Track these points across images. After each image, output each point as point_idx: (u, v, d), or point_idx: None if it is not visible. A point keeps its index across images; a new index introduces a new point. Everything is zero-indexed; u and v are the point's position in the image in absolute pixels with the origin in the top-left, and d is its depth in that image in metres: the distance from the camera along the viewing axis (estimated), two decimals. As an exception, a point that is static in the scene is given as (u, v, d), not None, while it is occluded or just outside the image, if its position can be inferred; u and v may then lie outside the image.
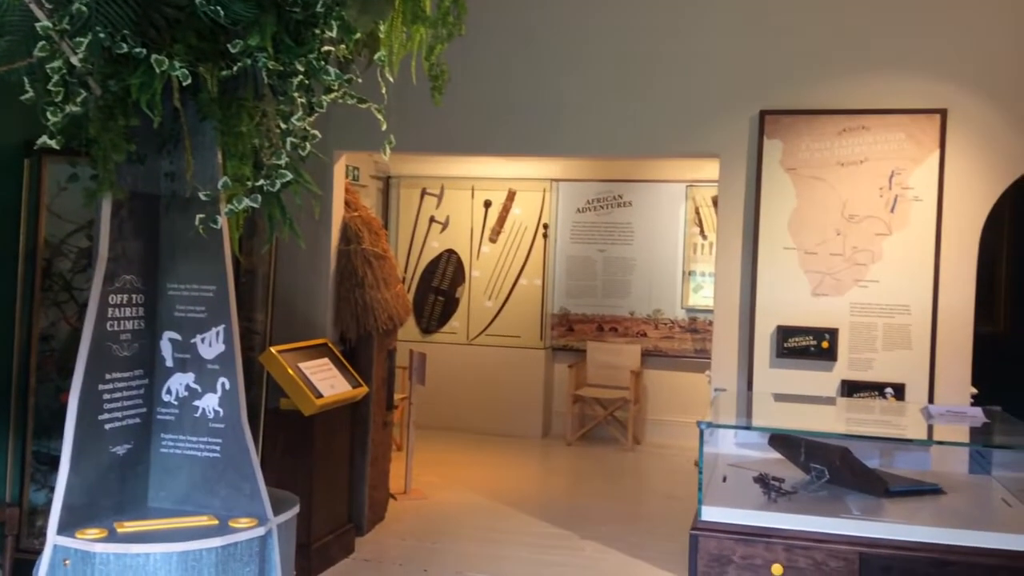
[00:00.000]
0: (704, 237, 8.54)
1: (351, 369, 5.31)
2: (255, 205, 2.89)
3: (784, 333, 4.77)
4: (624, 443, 8.41)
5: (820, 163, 4.76)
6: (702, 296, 8.54)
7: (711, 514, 2.76)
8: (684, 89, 5.09)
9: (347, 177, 8.24)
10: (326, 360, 5.18)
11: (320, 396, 4.88)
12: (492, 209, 8.97)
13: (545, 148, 5.48)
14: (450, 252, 9.06)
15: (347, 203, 5.78)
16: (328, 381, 5.05)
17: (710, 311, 8.49)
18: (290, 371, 4.82)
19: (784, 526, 2.70)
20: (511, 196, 8.94)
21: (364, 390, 5.30)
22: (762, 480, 2.94)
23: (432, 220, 9.11)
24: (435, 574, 5.04)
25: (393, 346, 6.05)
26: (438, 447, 8.04)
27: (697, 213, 8.55)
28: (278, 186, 2.88)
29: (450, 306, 9.04)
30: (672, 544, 5.55)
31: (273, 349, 4.87)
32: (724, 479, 3.09)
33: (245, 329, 5.08)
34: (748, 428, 3.12)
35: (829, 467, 2.93)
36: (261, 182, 2.87)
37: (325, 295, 5.53)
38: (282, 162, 2.85)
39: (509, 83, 5.37)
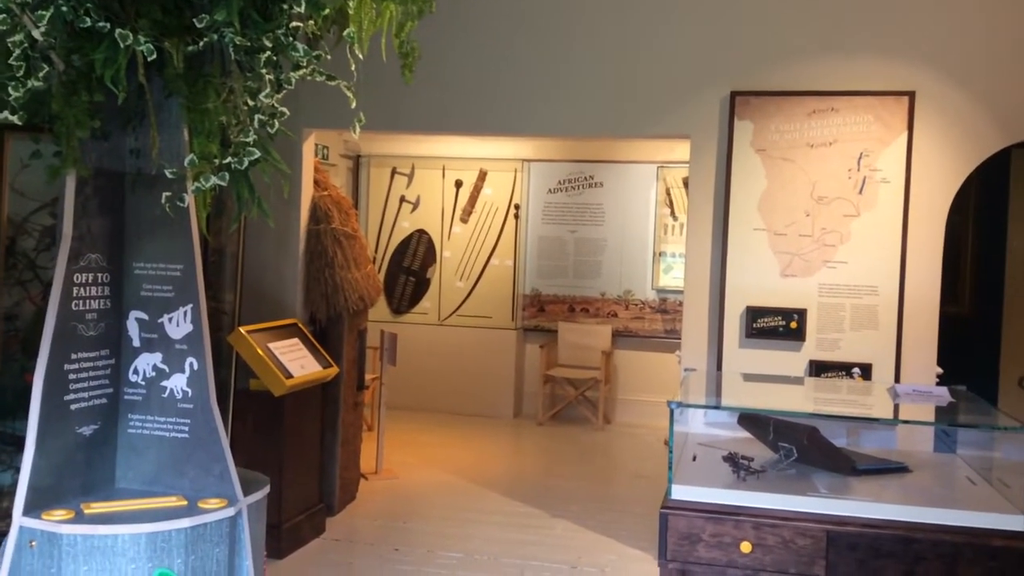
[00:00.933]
0: (675, 218, 8.56)
1: (321, 350, 5.28)
2: (222, 183, 2.85)
3: (753, 314, 4.80)
4: (595, 423, 8.45)
5: (790, 144, 4.79)
6: (672, 277, 8.58)
7: (681, 493, 2.78)
8: (655, 69, 5.08)
9: (316, 156, 8.18)
10: (296, 340, 5.15)
11: (290, 376, 4.85)
12: (463, 189, 8.94)
13: (516, 127, 5.46)
14: (421, 232, 9.02)
15: (316, 182, 5.73)
16: (298, 361, 5.02)
17: (680, 292, 8.52)
18: (259, 351, 4.78)
19: (753, 504, 2.72)
20: (482, 176, 8.91)
21: (334, 370, 5.28)
22: (731, 459, 2.97)
23: (403, 200, 9.07)
24: (406, 553, 5.05)
25: (364, 326, 6.02)
26: (410, 427, 8.04)
27: (668, 194, 8.57)
28: (246, 164, 2.85)
29: (421, 287, 9.01)
30: (642, 522, 5.60)
31: (242, 329, 4.83)
32: (694, 458, 3.12)
33: (213, 309, 5.04)
34: (718, 408, 3.13)
35: (797, 446, 2.96)
36: (228, 160, 2.82)
37: (295, 275, 5.49)
38: (250, 139, 2.81)
39: (480, 61, 5.34)
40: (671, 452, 2.83)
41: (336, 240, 5.62)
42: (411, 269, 9.03)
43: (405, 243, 9.04)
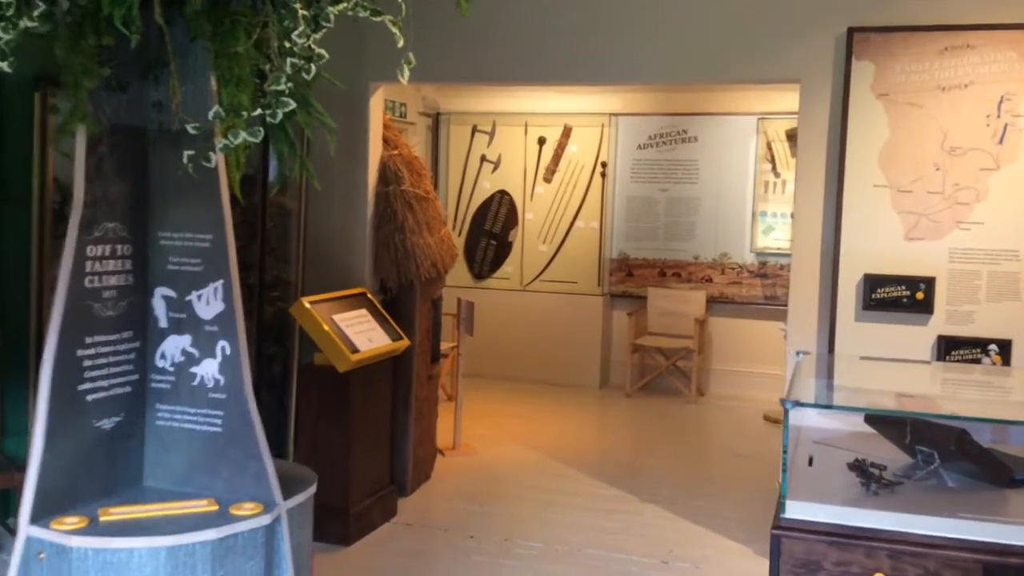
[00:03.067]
0: (776, 175, 7.91)
1: (391, 321, 4.91)
2: (254, 140, 2.45)
3: (872, 283, 4.22)
4: (687, 395, 7.93)
5: (917, 87, 4.15)
6: (773, 238, 7.95)
7: (797, 510, 2.28)
8: (759, 4, 4.49)
9: (392, 114, 7.79)
10: (364, 311, 4.78)
11: (356, 351, 4.49)
12: (546, 147, 8.44)
13: (604, 76, 4.93)
14: (502, 193, 8.57)
15: (386, 140, 5.32)
16: (366, 334, 4.65)
17: (781, 255, 7.93)
18: (324, 325, 4.43)
19: (888, 527, 2.21)
20: (567, 132, 8.39)
21: (405, 343, 4.91)
22: (859, 467, 2.45)
23: (483, 159, 8.62)
24: (481, 541, 4.67)
25: (438, 294, 5.63)
26: (490, 398, 7.67)
27: (769, 148, 7.91)
28: (280, 116, 2.43)
29: (503, 250, 8.58)
30: (740, 509, 5.09)
31: (305, 300, 4.48)
32: (810, 462, 2.61)
33: (275, 278, 4.71)
34: (844, 409, 2.61)
35: (940, 450, 2.44)
36: (259, 111, 2.41)
37: (362, 241, 5.11)
38: (282, 87, 2.39)
39: (554, 2, 4.82)
40: (785, 458, 2.33)
41: (407, 203, 5.22)
42: (492, 232, 8.60)
43: (486, 205, 8.61)
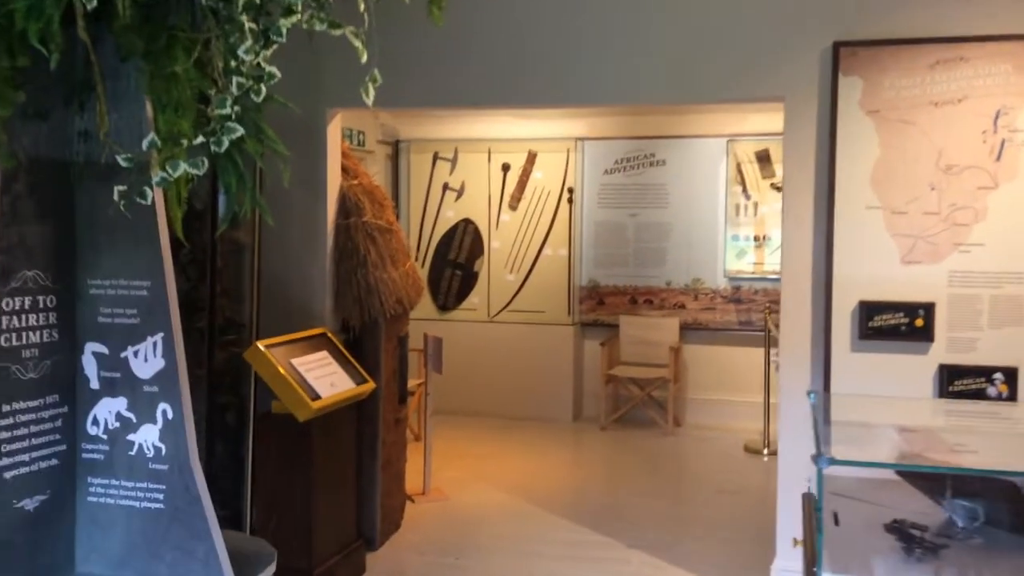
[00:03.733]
0: (747, 196, 7.71)
1: (354, 362, 4.57)
2: (196, 171, 2.13)
3: (868, 310, 3.98)
4: (663, 426, 7.65)
5: (909, 103, 3.94)
6: (746, 262, 7.73)
7: (836, 585, 1.99)
8: (739, 19, 4.26)
9: (350, 142, 7.47)
10: (325, 353, 4.44)
11: (317, 398, 4.14)
12: (511, 173, 8.17)
13: (580, 97, 4.65)
14: (467, 222, 8.28)
15: (345, 170, 5.01)
16: (327, 379, 4.31)
17: (754, 279, 7.72)
18: (281, 370, 4.08)
19: (940, 601, 1.93)
20: (531, 159, 8.13)
21: (370, 386, 4.57)
22: (898, 529, 2.18)
23: (446, 187, 8.32)
24: (459, 599, 4.33)
25: (404, 331, 5.30)
26: (460, 436, 7.33)
27: (739, 170, 7.71)
28: (226, 144, 2.11)
29: (468, 281, 8.27)
30: (732, 553, 4.81)
31: (260, 344, 4.14)
32: (836, 520, 2.32)
33: (228, 320, 4.36)
34: (890, 467, 2.32)
35: (986, 505, 2.17)
36: (202, 139, 2.10)
37: (322, 277, 4.78)
38: (228, 111, 2.07)
39: (526, 21, 4.56)
40: (820, 524, 2.04)
41: (369, 235, 4.90)
42: (457, 262, 8.30)
43: (450, 234, 8.31)
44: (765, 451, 6.98)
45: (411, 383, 6.97)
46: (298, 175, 4.75)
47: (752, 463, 6.81)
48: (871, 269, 3.99)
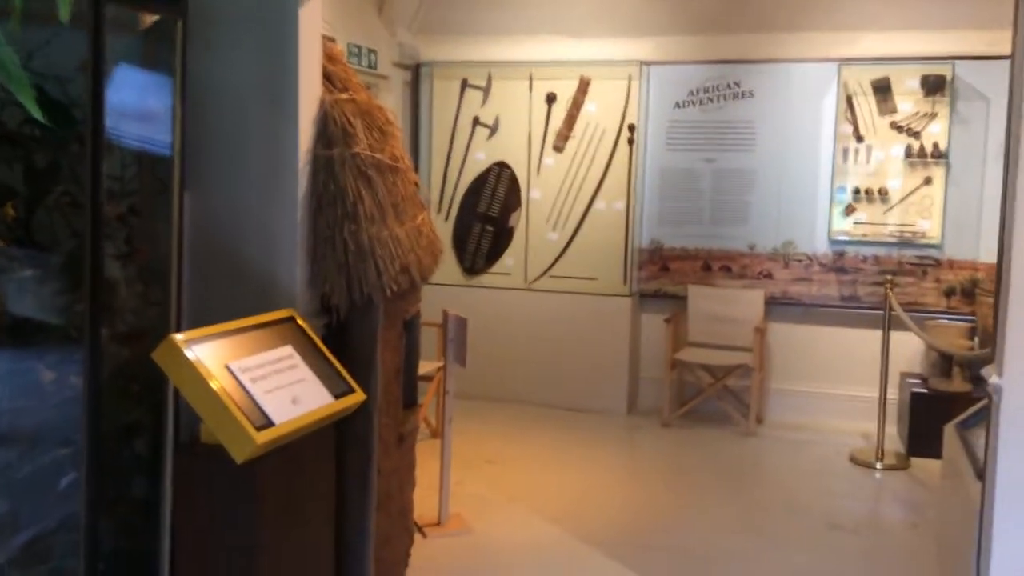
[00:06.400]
0: (859, 139, 6.09)
1: (335, 362, 3.08)
2: None
3: None
4: (742, 424, 6.13)
5: None
6: (853, 223, 6.13)
7: None
8: None
9: (357, 62, 5.93)
10: (288, 350, 2.95)
11: (268, 425, 2.65)
12: (557, 106, 6.59)
13: None
14: (501, 166, 6.72)
15: (330, 78, 3.46)
16: (288, 391, 2.82)
17: (866, 242, 6.13)
18: (211, 381, 2.59)
19: None
20: (583, 87, 6.53)
21: (358, 398, 3.08)
22: None
23: (477, 122, 6.76)
24: None
25: (413, 312, 3.79)
26: (486, 433, 5.88)
27: (850, 104, 6.07)
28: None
29: (502, 239, 6.74)
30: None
31: (179, 337, 2.64)
32: None
33: (140, 299, 2.87)
34: None
35: None
36: None
37: (290, 234, 3.24)
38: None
39: None
40: None
41: (363, 174, 3.37)
42: (488, 215, 6.76)
43: (480, 181, 6.76)
44: (879, 465, 5.45)
45: (426, 367, 5.51)
46: (255, 82, 3.23)
47: (864, 481, 5.30)
48: None
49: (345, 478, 3.32)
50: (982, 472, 3.07)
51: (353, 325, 3.37)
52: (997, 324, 2.71)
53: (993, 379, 2.67)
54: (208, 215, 3.17)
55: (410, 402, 3.84)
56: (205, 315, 2.96)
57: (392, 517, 3.65)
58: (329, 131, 3.35)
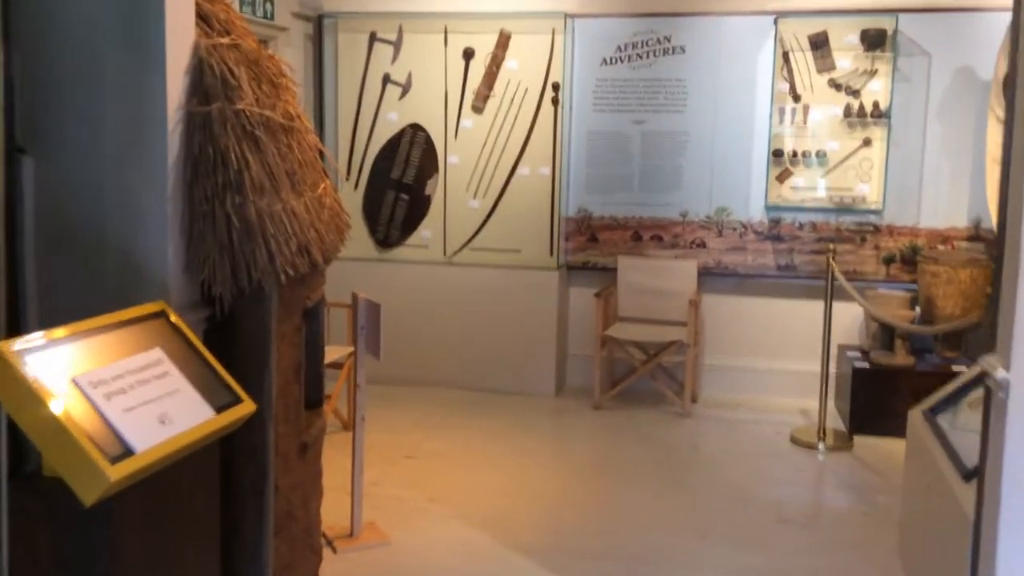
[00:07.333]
0: (796, 98, 5.71)
1: (217, 366, 2.53)
2: None
3: None
4: (677, 404, 5.76)
5: None
6: (790, 188, 5.78)
7: None
8: None
9: (251, 12, 5.28)
10: (156, 354, 2.38)
11: (128, 453, 2.10)
12: (475, 62, 6.04)
13: None
14: (415, 128, 6.16)
15: (206, 19, 2.87)
16: (154, 407, 2.26)
17: (802, 209, 5.79)
18: (50, 402, 2.02)
19: None
20: (503, 42, 6.00)
21: (246, 409, 2.54)
22: None
23: (387, 80, 6.17)
24: None
25: (317, 298, 3.25)
26: (405, 421, 5.39)
27: (786, 60, 5.69)
28: None
29: (418, 208, 6.20)
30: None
31: (9, 345, 2.06)
32: None
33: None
34: None
35: None
36: None
37: (159, 207, 2.65)
38: None
39: None
40: None
41: (248, 135, 2.80)
42: (403, 183, 6.20)
43: (393, 144, 6.19)
44: (821, 446, 5.13)
45: (336, 352, 4.99)
46: (107, 16, 2.62)
47: (807, 463, 4.98)
48: None
49: (235, 501, 2.79)
50: (972, 474, 2.70)
51: (241, 318, 2.81)
52: (1002, 311, 2.32)
53: (1000, 373, 2.29)
54: (56, 186, 2.57)
55: (315, 402, 3.31)
56: (50, 313, 2.37)
57: (294, 539, 3.13)
58: (206, 82, 2.76)
